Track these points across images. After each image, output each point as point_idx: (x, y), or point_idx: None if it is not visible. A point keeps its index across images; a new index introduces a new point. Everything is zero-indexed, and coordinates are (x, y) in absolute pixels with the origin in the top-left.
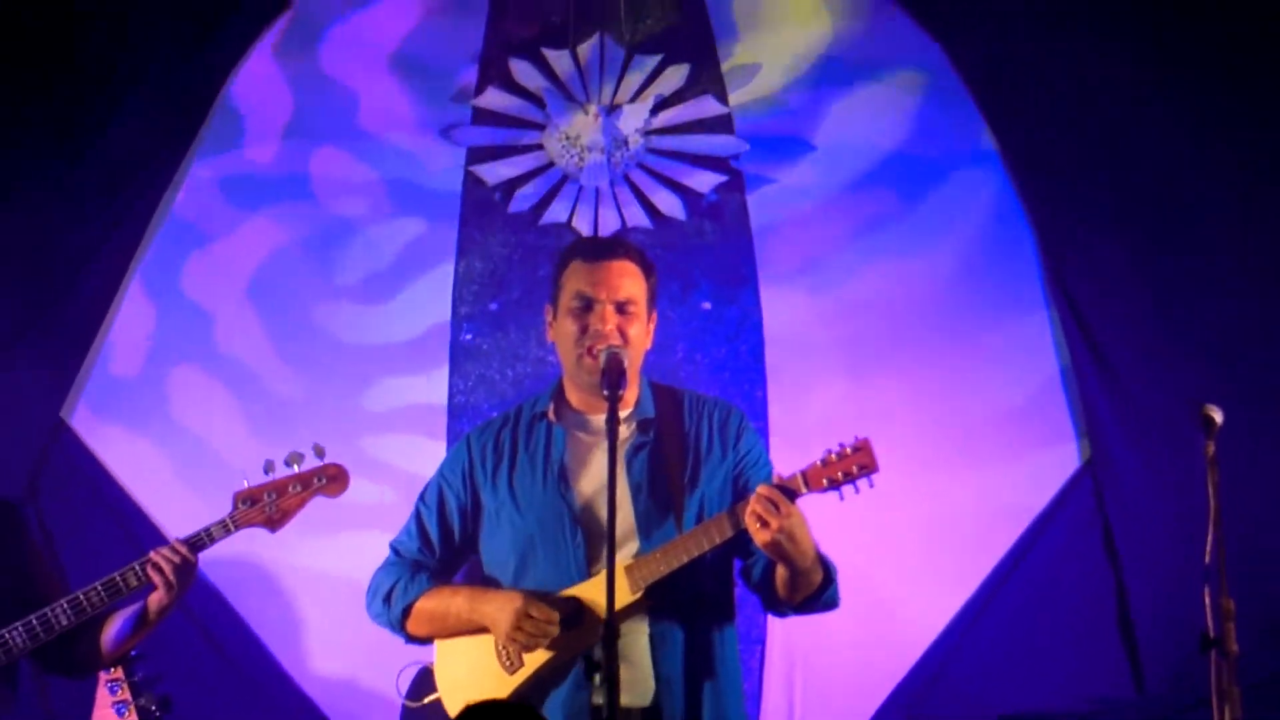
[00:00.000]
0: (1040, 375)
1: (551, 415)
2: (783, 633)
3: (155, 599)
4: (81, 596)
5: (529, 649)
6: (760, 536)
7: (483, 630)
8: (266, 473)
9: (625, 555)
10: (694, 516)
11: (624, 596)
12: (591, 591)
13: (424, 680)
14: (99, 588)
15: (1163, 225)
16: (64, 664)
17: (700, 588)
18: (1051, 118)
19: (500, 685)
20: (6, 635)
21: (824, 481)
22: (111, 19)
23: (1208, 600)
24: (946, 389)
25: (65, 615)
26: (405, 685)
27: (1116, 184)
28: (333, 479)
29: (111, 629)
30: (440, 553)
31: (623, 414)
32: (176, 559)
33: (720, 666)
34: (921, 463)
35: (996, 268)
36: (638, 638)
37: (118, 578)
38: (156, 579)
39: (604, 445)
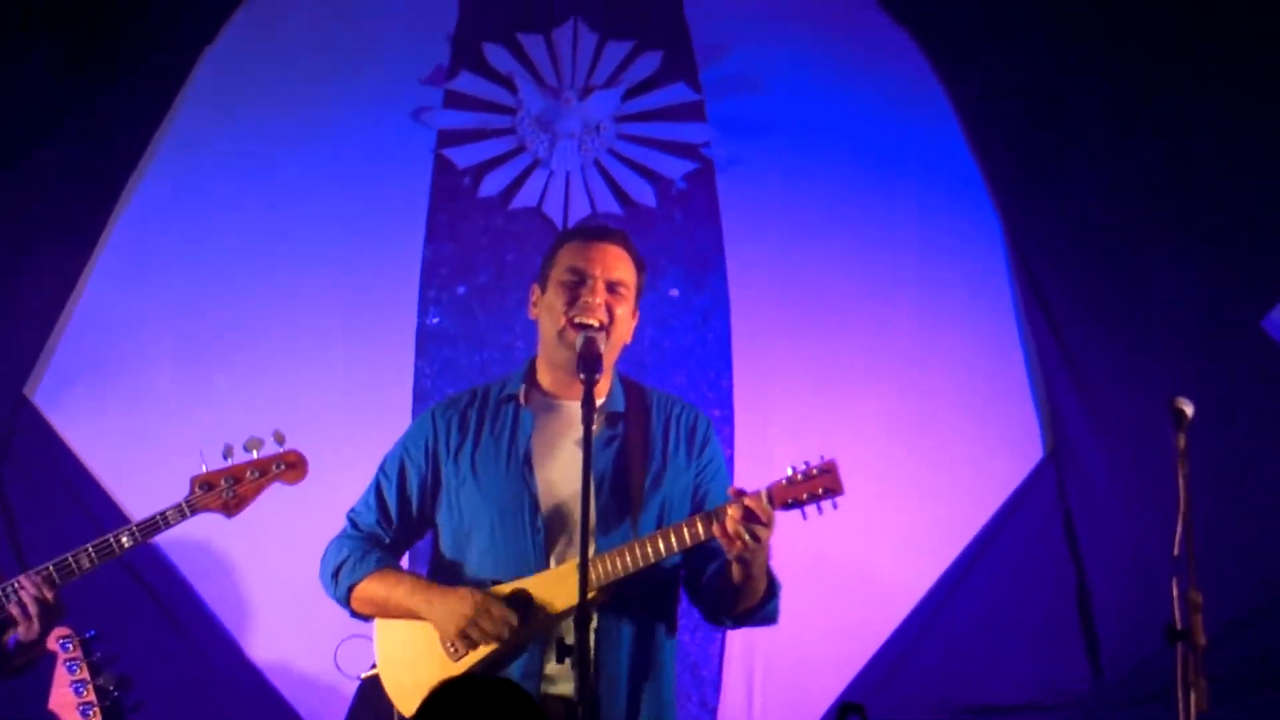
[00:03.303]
0: (1005, 365)
1: (521, 398)
2: None
3: (19, 633)
4: None
5: (476, 646)
6: (733, 548)
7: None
8: (225, 458)
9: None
10: (653, 518)
11: (576, 594)
12: (538, 586)
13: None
14: None
15: (1129, 218)
16: None
17: (650, 589)
18: (1023, 110)
19: (443, 672)
20: None
21: (788, 500)
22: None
23: (1176, 592)
24: (912, 377)
25: None
26: (345, 658)
27: (1084, 178)
28: (291, 466)
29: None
30: (397, 525)
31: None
32: (35, 592)
33: (661, 669)
34: (885, 452)
35: (964, 257)
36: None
37: None
38: (15, 612)
39: (572, 433)
